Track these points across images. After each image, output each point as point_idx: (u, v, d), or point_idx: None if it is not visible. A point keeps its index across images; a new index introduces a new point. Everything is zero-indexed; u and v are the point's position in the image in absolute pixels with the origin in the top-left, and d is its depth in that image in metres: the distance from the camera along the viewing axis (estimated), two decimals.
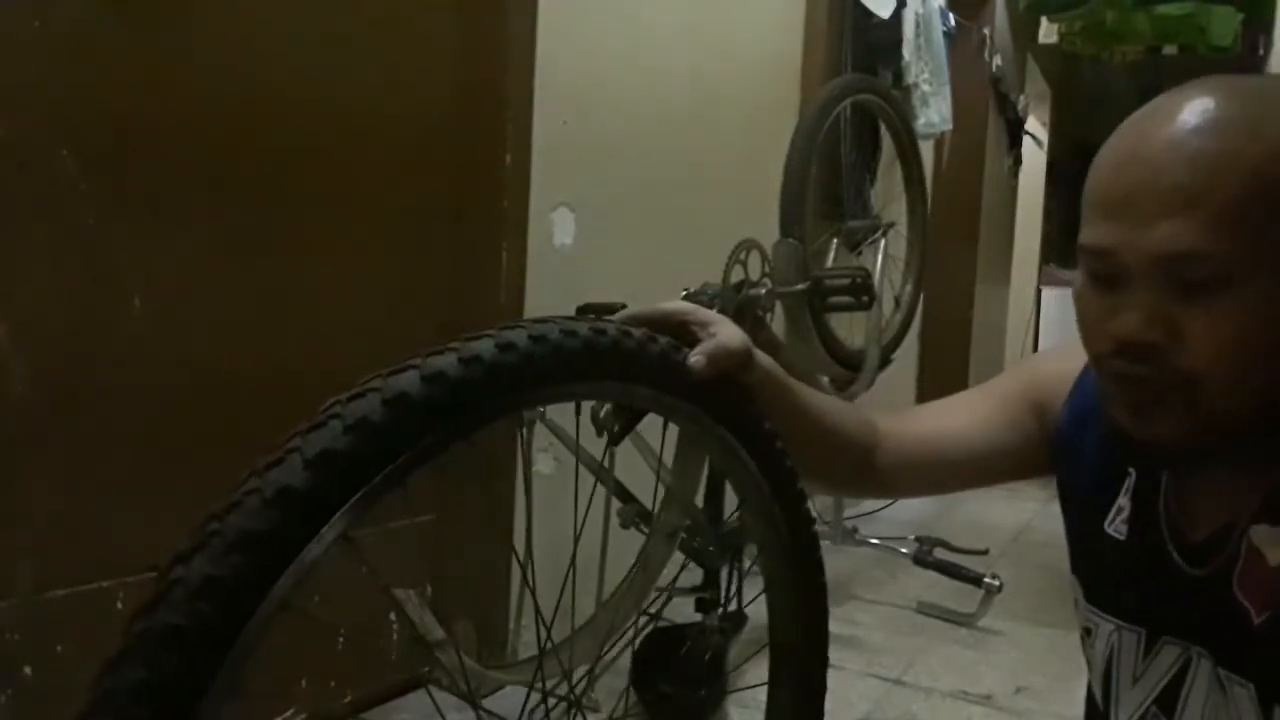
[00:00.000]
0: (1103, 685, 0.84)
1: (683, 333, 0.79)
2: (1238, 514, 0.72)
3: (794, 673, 0.89)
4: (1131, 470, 0.82)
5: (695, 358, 0.75)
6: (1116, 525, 0.83)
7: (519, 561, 0.80)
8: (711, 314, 0.81)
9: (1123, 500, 0.83)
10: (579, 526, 0.88)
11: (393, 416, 0.55)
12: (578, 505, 0.88)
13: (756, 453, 0.80)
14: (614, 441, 0.83)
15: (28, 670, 1.19)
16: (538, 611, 0.82)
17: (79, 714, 0.47)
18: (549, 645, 0.86)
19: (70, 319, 1.24)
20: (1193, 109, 0.64)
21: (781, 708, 0.90)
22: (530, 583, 0.82)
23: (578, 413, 0.87)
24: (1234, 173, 0.62)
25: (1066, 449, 0.89)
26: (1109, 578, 0.85)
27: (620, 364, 0.70)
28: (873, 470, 0.95)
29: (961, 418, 0.95)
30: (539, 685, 0.82)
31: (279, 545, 0.51)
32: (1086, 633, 0.87)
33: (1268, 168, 0.61)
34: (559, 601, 0.88)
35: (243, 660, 0.50)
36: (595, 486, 1.06)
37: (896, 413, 1.01)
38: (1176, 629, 0.77)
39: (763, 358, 0.85)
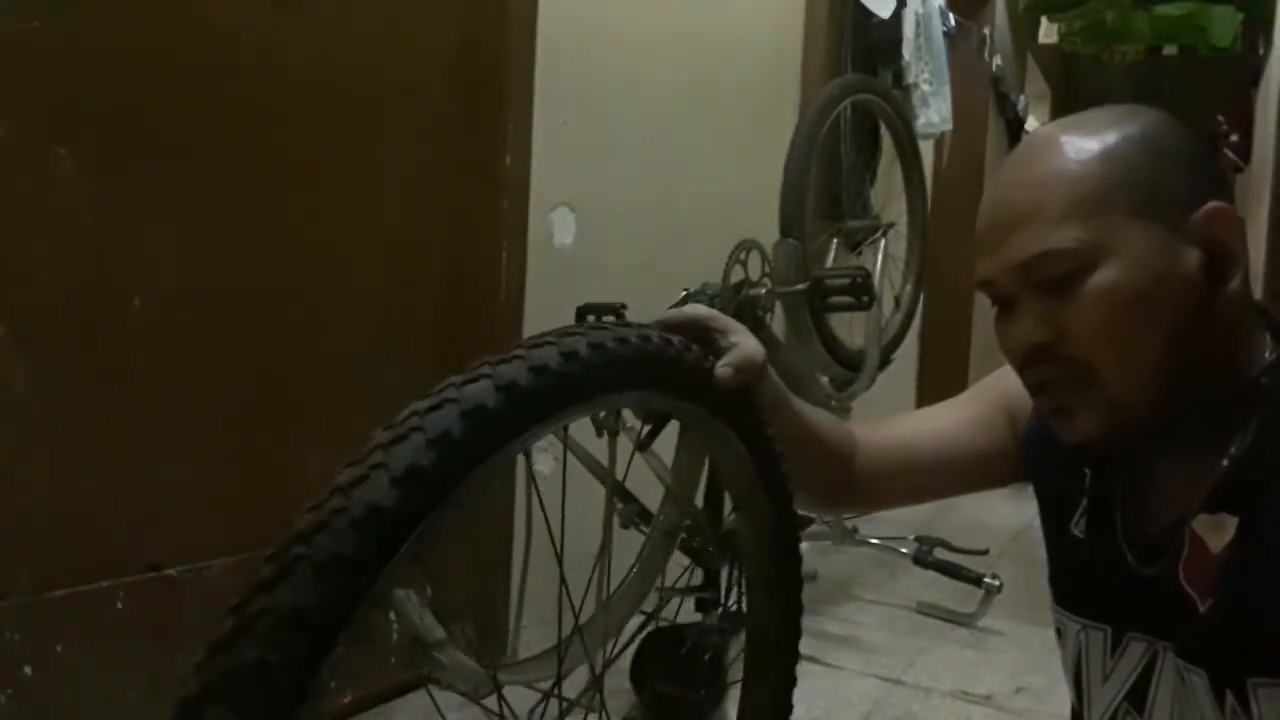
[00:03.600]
0: (1075, 685, 0.86)
1: (705, 340, 0.80)
2: (1187, 509, 0.74)
3: (772, 666, 0.91)
4: (1087, 471, 0.85)
5: (722, 368, 0.76)
6: (1080, 526, 0.85)
7: (557, 559, 0.79)
8: (732, 322, 0.83)
9: (1085, 501, 0.85)
10: (606, 524, 0.88)
11: (472, 429, 0.54)
12: (608, 508, 0.89)
13: (758, 457, 0.81)
14: (641, 448, 0.84)
15: (28, 670, 1.19)
16: (564, 600, 0.81)
17: None
18: (572, 632, 0.86)
19: (70, 319, 1.24)
20: (1025, 150, 0.77)
21: (758, 699, 0.91)
22: (559, 579, 0.81)
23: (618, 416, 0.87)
24: (1059, 183, 0.72)
25: (1035, 452, 0.90)
26: (1073, 577, 0.87)
27: (662, 373, 0.71)
28: (852, 480, 0.96)
29: (935, 425, 0.97)
30: (546, 685, 0.82)
31: (368, 569, 0.49)
32: (1058, 634, 0.89)
33: (1085, 173, 0.71)
34: (558, 601, 0.88)
35: (322, 691, 0.48)
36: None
37: (873, 422, 1.02)
38: (1140, 625, 0.79)
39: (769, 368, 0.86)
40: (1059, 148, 0.73)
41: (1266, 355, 0.73)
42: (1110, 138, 0.72)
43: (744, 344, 0.80)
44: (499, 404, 0.56)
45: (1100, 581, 0.82)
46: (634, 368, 0.67)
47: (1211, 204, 0.70)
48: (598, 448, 1.07)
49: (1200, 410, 0.72)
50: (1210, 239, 0.70)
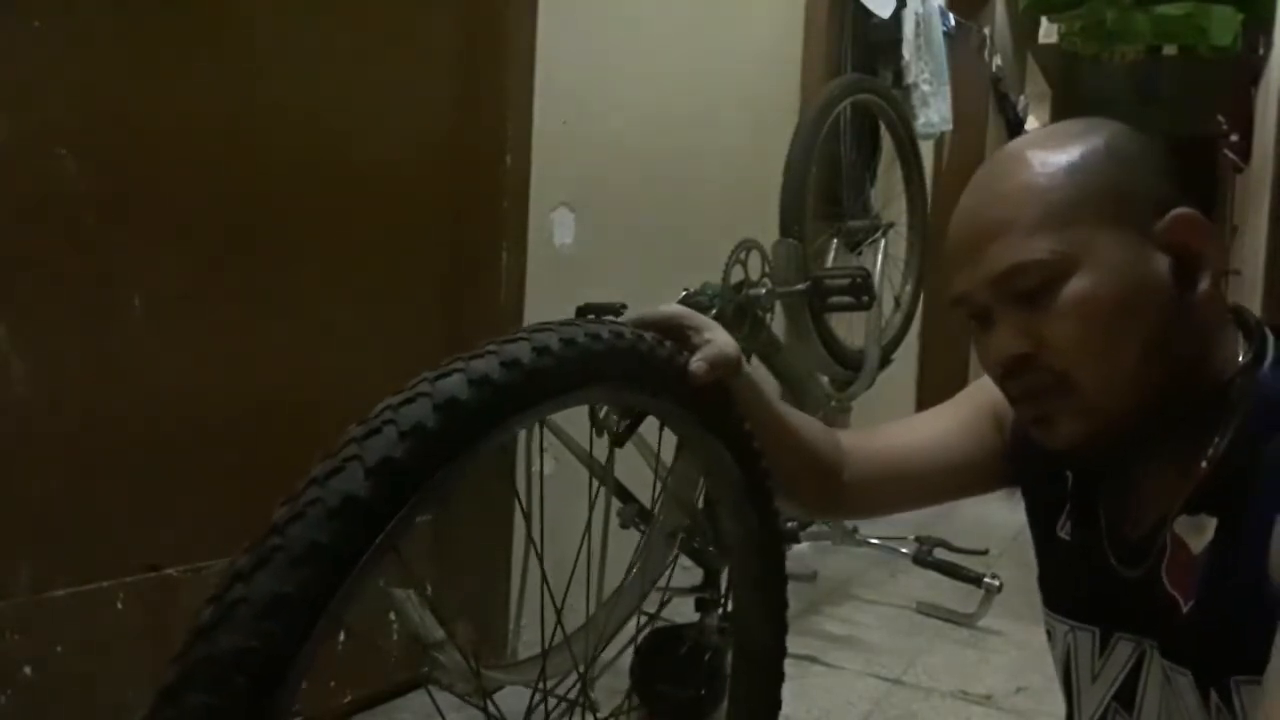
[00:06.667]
0: (1065, 685, 0.87)
1: (679, 337, 0.81)
2: (1168, 511, 0.75)
3: (758, 663, 0.92)
4: (1069, 474, 0.86)
5: (697, 363, 0.77)
6: (1066, 529, 0.86)
7: (538, 557, 0.80)
8: (704, 319, 0.84)
9: (1069, 505, 0.86)
10: (591, 521, 0.88)
11: (445, 422, 0.55)
12: (591, 505, 0.89)
13: (736, 454, 0.82)
14: (619, 443, 0.84)
15: (28, 670, 1.19)
16: (551, 600, 0.82)
17: None
18: (557, 639, 0.86)
19: (70, 319, 1.24)
20: (993, 166, 0.78)
21: (746, 695, 0.92)
22: (544, 580, 0.82)
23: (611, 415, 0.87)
24: (1028, 196, 0.73)
25: (1022, 457, 0.91)
26: (1061, 579, 0.88)
27: (636, 368, 0.71)
28: (839, 488, 0.96)
29: (924, 432, 0.97)
30: (542, 685, 0.82)
31: (344, 558, 0.50)
32: (1049, 635, 0.90)
33: (1053, 185, 0.72)
34: (558, 599, 0.88)
35: (301, 679, 0.48)
36: (596, 487, 1.06)
37: (861, 430, 1.02)
38: (1126, 625, 0.80)
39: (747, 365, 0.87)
40: (1026, 162, 0.74)
41: (1240, 356, 0.74)
42: (1076, 150, 0.73)
43: (718, 340, 0.81)
44: (472, 397, 0.56)
45: (1087, 583, 0.83)
46: (607, 362, 0.68)
47: (1176, 210, 0.72)
48: (597, 449, 1.07)
49: (1179, 413, 0.73)
50: (1176, 244, 0.72)
